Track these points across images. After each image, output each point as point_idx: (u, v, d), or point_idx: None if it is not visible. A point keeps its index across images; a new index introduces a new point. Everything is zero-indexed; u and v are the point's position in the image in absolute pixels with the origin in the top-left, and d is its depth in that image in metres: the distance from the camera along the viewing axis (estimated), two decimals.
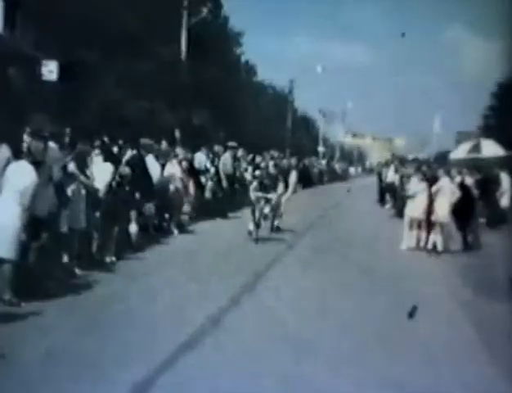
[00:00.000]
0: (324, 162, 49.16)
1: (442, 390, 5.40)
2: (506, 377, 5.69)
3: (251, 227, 13.04)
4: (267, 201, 13.16)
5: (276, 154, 18.90)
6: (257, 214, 12.98)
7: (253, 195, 13.16)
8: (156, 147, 12.90)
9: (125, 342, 5.81)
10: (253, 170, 15.94)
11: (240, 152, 18.72)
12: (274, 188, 13.52)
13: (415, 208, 13.25)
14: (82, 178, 8.63)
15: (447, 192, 13.12)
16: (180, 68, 25.38)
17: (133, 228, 10.56)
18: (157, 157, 12.49)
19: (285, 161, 19.42)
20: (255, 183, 13.33)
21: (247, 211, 15.33)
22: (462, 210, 13.42)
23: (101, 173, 9.47)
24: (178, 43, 25.49)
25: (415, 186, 13.62)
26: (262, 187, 13.16)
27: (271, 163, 15.39)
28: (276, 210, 14.03)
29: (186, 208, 14.06)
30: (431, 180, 13.47)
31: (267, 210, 13.19)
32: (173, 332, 6.24)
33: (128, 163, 10.94)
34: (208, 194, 16.30)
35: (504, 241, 12.30)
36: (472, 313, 7.96)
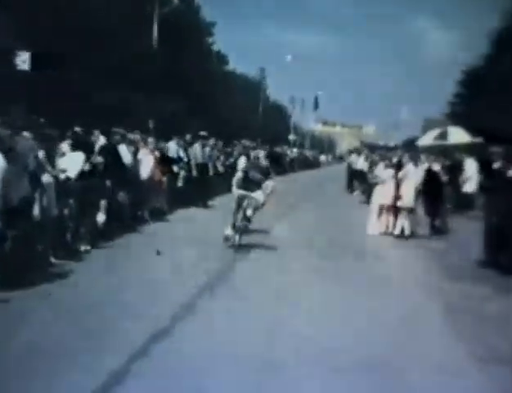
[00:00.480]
0: (295, 150, 49.58)
1: (408, 366, 5.52)
2: (472, 355, 5.88)
3: (228, 231, 10.83)
4: (252, 200, 10.81)
5: (247, 143, 19.07)
6: (239, 216, 10.78)
7: (235, 192, 10.92)
8: (129, 136, 12.97)
9: (100, 331, 5.90)
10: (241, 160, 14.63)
11: (211, 141, 18.86)
12: (260, 185, 10.95)
13: (382, 194, 13.47)
14: (48, 166, 8.65)
15: (413, 178, 13.42)
16: (152, 58, 25.33)
17: (100, 216, 10.54)
18: (129, 145, 12.57)
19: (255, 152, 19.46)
20: (239, 176, 11.07)
21: (220, 199, 15.41)
22: (430, 196, 13.74)
23: (72, 161, 9.52)
24: (151, 33, 25.41)
25: (381, 172, 13.92)
26: (247, 182, 10.90)
27: (261, 153, 14.28)
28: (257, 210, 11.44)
29: (160, 197, 14.18)
30: (397, 166, 13.74)
31: (249, 212, 10.94)
32: (146, 320, 6.30)
33: (100, 152, 11.00)
34: (180, 183, 16.40)
35: (471, 226, 12.66)
36: (438, 295, 8.18)
